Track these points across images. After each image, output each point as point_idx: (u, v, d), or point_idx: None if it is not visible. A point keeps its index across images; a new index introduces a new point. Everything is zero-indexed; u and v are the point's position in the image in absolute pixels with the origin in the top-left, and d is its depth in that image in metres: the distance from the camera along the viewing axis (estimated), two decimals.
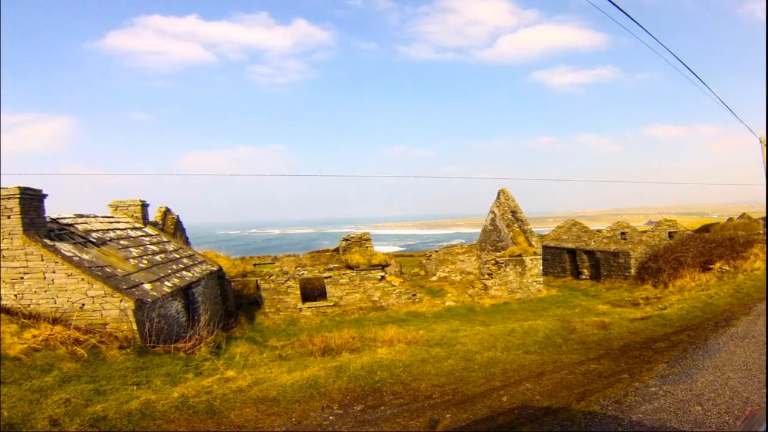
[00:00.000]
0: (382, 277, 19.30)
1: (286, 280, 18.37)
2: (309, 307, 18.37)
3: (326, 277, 18.78)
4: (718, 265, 18.04)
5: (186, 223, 19.91)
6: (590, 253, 26.50)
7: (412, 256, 41.72)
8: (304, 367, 9.12)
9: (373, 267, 19.68)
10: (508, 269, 21.17)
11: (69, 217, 12.95)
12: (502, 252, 22.72)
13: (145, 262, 13.04)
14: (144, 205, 17.12)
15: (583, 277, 26.61)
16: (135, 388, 7.79)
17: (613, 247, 24.98)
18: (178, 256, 15.56)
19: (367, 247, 22.92)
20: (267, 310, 18.00)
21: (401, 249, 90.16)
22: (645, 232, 26.08)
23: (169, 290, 12.05)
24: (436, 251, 26.73)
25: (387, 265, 21.69)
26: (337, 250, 25.75)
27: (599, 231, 28.40)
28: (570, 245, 27.95)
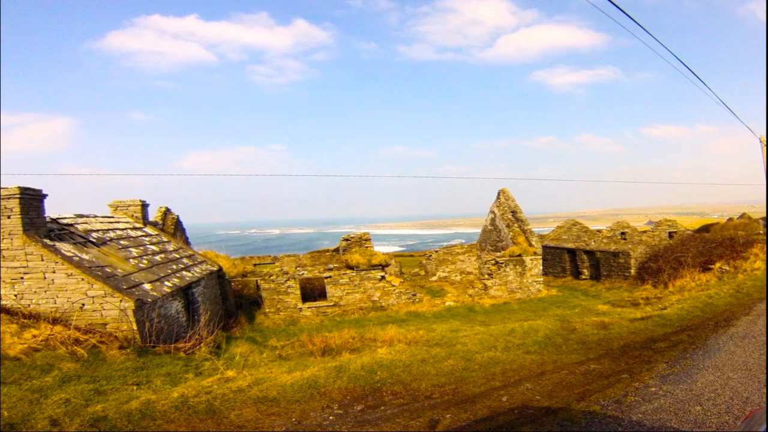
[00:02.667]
0: (382, 277, 19.30)
1: (286, 280, 18.37)
2: (309, 307, 18.37)
3: (326, 277, 18.78)
4: (718, 265, 18.04)
5: (186, 223, 19.91)
6: (590, 253, 26.50)
7: (412, 256, 41.74)
8: (304, 367, 9.12)
9: (373, 267, 19.68)
10: (508, 269, 21.17)
11: (69, 217, 12.95)
12: (502, 252, 22.72)
13: (145, 262, 13.04)
14: (144, 205, 17.12)
15: (583, 277, 26.61)
16: (135, 388, 7.79)
17: (613, 247, 24.98)
18: (178, 256, 15.56)
19: (367, 247, 22.92)
20: (267, 310, 18.00)
21: (401, 249, 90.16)
22: (645, 232, 26.08)
23: (169, 290, 12.05)
24: (436, 251, 26.73)
25: (387, 265, 21.69)
26: (337, 250, 25.75)
27: (599, 231, 28.40)
28: (570, 245, 27.94)
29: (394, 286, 19.29)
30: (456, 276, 25.58)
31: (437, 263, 25.91)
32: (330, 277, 18.78)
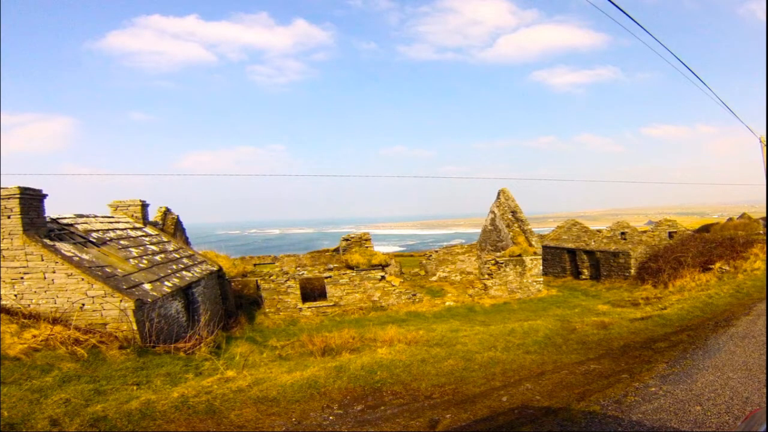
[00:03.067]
0: (382, 277, 19.29)
1: (286, 280, 18.37)
2: (309, 307, 18.37)
3: (326, 277, 18.78)
4: (718, 265, 18.04)
5: (186, 223, 19.91)
6: (590, 253, 26.50)
7: (412, 256, 41.74)
8: (304, 367, 9.12)
9: (373, 267, 19.68)
10: (508, 269, 21.17)
11: (69, 217, 12.95)
12: (502, 252, 22.73)
13: (145, 262, 13.04)
14: (144, 205, 17.12)
15: (583, 277, 26.61)
16: (135, 388, 7.79)
17: (613, 247, 24.98)
18: (178, 256, 15.56)
19: (367, 247, 22.92)
20: (267, 310, 18.00)
21: (401, 249, 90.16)
22: (645, 232, 26.08)
23: (169, 290, 12.05)
24: (436, 251, 26.73)
25: (387, 265, 21.70)
26: (337, 250, 25.75)
27: (599, 231, 28.40)
28: (570, 245, 27.94)
29: (394, 286, 19.29)
30: (456, 276, 25.59)
31: (437, 263, 25.91)
32: (330, 277, 18.78)
